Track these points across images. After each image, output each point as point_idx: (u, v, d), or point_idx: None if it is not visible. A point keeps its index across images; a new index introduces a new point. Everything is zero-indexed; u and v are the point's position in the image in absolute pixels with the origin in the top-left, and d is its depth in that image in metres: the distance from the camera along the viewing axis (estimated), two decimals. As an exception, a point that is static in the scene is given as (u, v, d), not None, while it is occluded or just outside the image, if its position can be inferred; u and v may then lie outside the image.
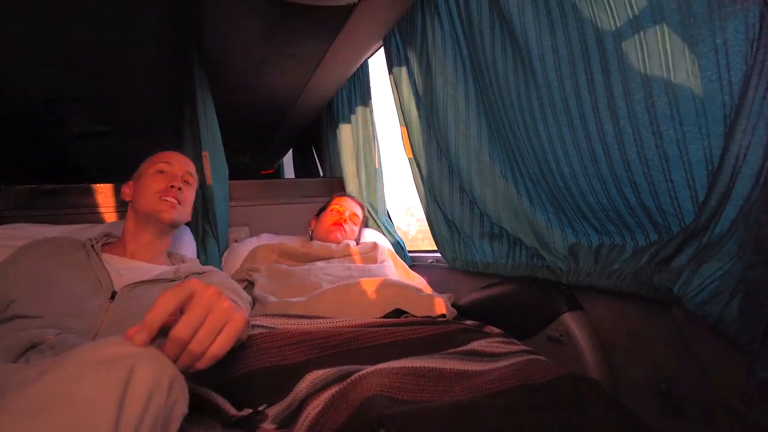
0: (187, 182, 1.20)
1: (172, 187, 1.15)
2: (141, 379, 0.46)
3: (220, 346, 0.55)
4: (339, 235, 1.60)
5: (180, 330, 0.52)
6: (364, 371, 0.67)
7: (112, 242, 1.18)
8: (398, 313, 1.08)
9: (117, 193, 1.71)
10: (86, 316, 0.89)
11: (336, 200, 1.75)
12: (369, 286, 1.13)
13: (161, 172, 1.17)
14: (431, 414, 0.57)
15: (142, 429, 0.44)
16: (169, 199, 1.13)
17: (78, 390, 0.43)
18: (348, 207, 1.70)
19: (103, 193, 1.70)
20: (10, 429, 0.40)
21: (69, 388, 0.43)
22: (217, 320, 0.56)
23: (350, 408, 0.60)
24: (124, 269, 1.05)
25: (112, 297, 0.95)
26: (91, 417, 0.41)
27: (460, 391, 0.68)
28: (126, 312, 0.92)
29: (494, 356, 0.82)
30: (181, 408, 0.50)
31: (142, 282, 1.00)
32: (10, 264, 0.99)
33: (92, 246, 1.07)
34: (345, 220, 1.65)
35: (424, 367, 0.72)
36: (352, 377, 0.66)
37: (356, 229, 1.71)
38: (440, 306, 1.10)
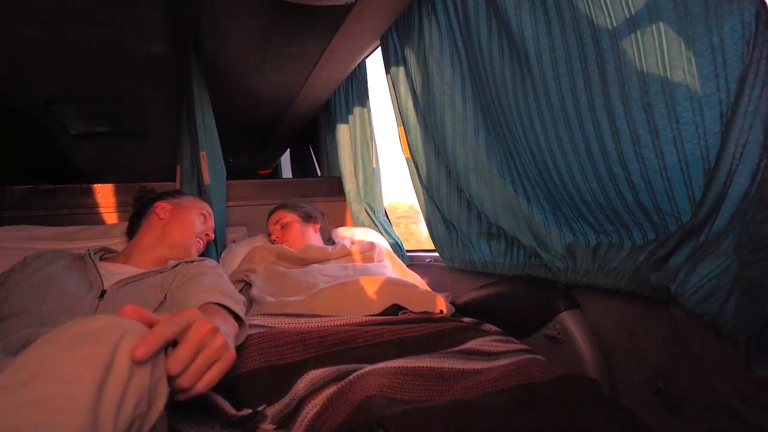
0: (208, 236, 1.35)
1: (206, 235, 1.33)
2: (124, 353, 0.46)
3: (206, 384, 0.56)
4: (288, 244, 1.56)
5: (170, 367, 0.52)
6: (363, 371, 0.68)
7: (109, 257, 1.20)
8: (396, 309, 1.08)
9: (115, 193, 1.70)
10: (76, 314, 0.92)
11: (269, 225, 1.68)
12: (366, 283, 1.13)
13: (203, 216, 1.33)
14: (430, 413, 0.57)
15: (125, 402, 0.44)
16: (200, 241, 1.30)
17: (61, 364, 0.43)
18: (272, 226, 1.65)
19: (101, 193, 1.69)
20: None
21: (53, 362, 0.43)
22: (209, 357, 0.56)
23: (349, 407, 0.60)
24: (117, 273, 1.08)
25: (102, 296, 0.99)
26: (72, 391, 0.42)
27: (459, 390, 0.68)
28: (115, 307, 0.96)
29: (492, 355, 0.82)
30: (164, 387, 0.50)
31: (130, 278, 1.05)
32: (10, 272, 1.03)
33: (90, 255, 1.12)
34: (278, 237, 1.60)
35: (423, 367, 0.72)
36: (351, 377, 0.66)
37: (300, 227, 1.62)
38: (439, 302, 1.10)
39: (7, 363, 0.61)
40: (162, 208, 1.28)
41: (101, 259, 1.17)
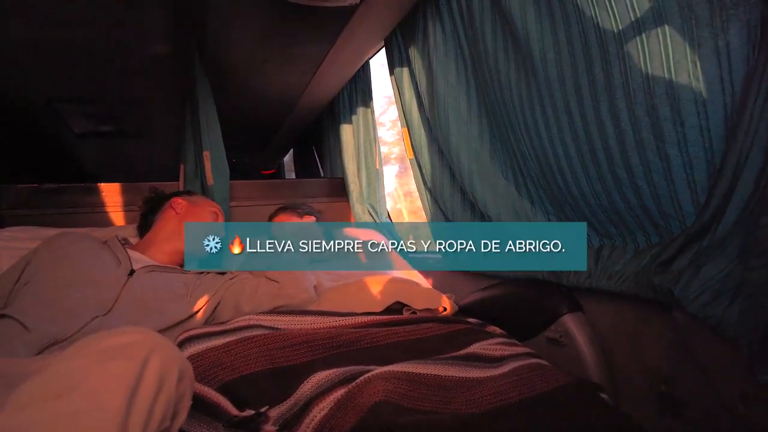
0: None
1: None
2: (153, 368, 0.47)
3: None
4: None
5: None
6: (370, 374, 0.68)
7: (128, 246, 1.23)
8: (400, 307, 1.09)
9: (119, 192, 1.71)
10: (104, 288, 0.98)
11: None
12: (369, 282, 1.14)
13: (215, 214, 1.36)
14: (437, 426, 0.58)
15: (152, 417, 0.45)
16: None
17: (91, 377, 0.44)
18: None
19: (105, 192, 1.70)
20: (33, 410, 0.42)
21: (83, 375, 0.44)
22: None
23: (359, 412, 0.60)
24: (140, 260, 1.13)
25: (131, 274, 1.04)
26: (102, 404, 0.42)
27: (462, 403, 0.68)
28: (144, 287, 1.02)
29: (496, 360, 0.82)
30: (188, 401, 0.52)
31: (157, 266, 1.11)
32: (35, 251, 1.06)
33: (117, 238, 1.18)
34: None
35: (428, 374, 0.72)
36: (358, 380, 0.66)
37: None
38: (442, 300, 1.11)
39: (27, 365, 0.63)
40: (178, 203, 1.31)
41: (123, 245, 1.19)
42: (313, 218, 1.67)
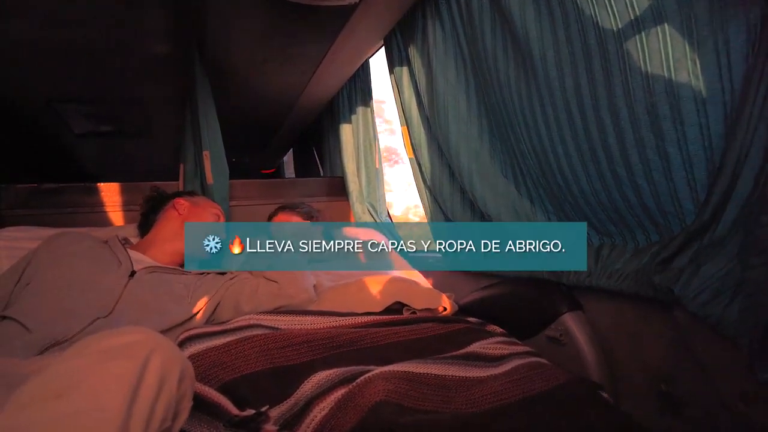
0: None
1: None
2: (154, 368, 0.47)
3: None
4: None
5: None
6: (370, 374, 0.68)
7: (129, 246, 1.23)
8: (400, 307, 1.09)
9: (119, 192, 1.71)
10: (105, 289, 0.97)
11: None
12: (368, 282, 1.14)
13: (217, 216, 1.36)
14: (437, 426, 0.59)
15: (153, 417, 0.45)
16: None
17: (92, 378, 0.44)
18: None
19: (105, 192, 1.70)
20: (33, 410, 0.41)
21: (84, 375, 0.44)
22: None
23: (359, 412, 0.60)
24: (141, 261, 1.13)
25: (131, 275, 1.04)
26: (103, 404, 0.42)
27: (462, 403, 0.68)
28: (144, 288, 1.02)
29: (496, 360, 0.82)
30: (189, 401, 0.51)
31: (158, 267, 1.11)
32: (35, 251, 1.06)
33: (117, 238, 1.17)
34: None
35: (428, 374, 0.73)
36: (358, 380, 0.66)
37: None
38: (442, 299, 1.11)
39: (27, 366, 0.63)
40: (181, 204, 1.31)
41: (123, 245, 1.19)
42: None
